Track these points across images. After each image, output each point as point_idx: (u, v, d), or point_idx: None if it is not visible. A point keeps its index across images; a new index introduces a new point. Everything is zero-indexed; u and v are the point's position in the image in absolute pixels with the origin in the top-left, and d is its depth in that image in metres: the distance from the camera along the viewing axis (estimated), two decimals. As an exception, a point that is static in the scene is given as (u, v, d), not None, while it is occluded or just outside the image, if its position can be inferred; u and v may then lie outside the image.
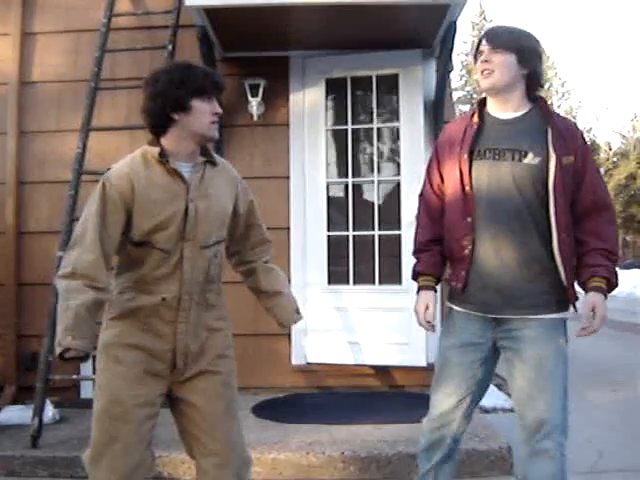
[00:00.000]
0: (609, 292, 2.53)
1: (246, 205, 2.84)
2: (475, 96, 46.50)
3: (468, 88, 46.71)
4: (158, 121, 2.55)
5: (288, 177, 5.52)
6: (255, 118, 5.46)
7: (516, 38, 2.66)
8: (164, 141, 2.56)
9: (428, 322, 2.75)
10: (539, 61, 2.67)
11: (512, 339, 2.59)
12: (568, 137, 2.55)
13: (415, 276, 2.85)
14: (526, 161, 2.55)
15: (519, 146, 2.57)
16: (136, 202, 2.47)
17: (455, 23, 4.93)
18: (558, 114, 2.67)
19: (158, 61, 5.19)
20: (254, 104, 5.39)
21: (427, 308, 2.76)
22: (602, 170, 45.62)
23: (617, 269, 2.57)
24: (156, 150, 2.53)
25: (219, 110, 2.60)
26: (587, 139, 2.68)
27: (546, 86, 45.05)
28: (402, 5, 4.72)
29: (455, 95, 43.12)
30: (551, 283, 2.56)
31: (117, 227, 2.47)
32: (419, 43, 5.43)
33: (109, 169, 2.55)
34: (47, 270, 4.90)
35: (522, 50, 2.62)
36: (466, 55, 46.60)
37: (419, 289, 2.81)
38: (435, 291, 2.81)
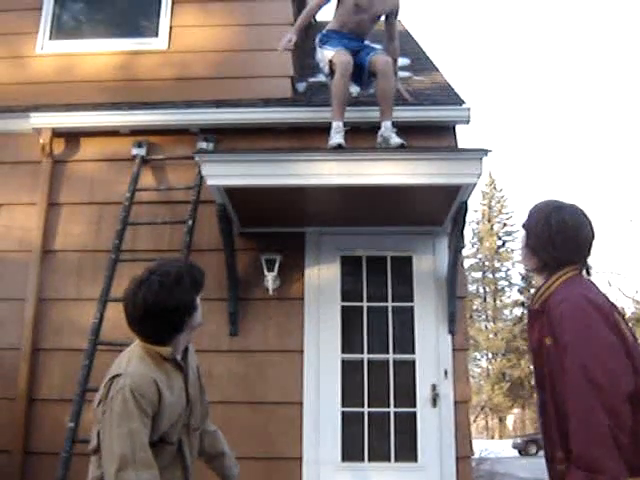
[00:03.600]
0: None
1: (198, 371, 2.89)
2: (487, 263, 47.06)
3: (480, 256, 47.32)
4: (173, 331, 2.56)
5: (302, 351, 5.48)
6: (270, 292, 5.51)
7: (528, 215, 2.75)
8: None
9: None
10: (539, 242, 2.64)
11: None
12: (551, 317, 2.46)
13: None
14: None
15: None
16: (160, 408, 2.48)
17: (466, 203, 5.06)
18: (564, 289, 2.53)
19: (177, 234, 5.39)
20: (270, 278, 5.46)
21: None
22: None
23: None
24: (167, 351, 2.55)
25: None
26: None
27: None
28: (414, 187, 4.88)
29: (467, 262, 43.63)
30: None
31: (148, 436, 2.45)
32: (431, 221, 5.58)
33: (119, 375, 2.50)
34: (56, 439, 4.80)
35: (527, 229, 2.72)
36: (477, 224, 47.58)
37: None
38: None
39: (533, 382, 2.71)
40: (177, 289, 2.52)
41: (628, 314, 45.18)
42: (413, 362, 5.50)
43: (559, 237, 2.59)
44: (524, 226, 2.77)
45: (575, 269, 2.60)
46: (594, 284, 2.61)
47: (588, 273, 2.65)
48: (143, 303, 2.48)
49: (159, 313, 2.48)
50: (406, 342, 5.56)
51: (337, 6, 5.79)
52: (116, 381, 2.47)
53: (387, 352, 5.56)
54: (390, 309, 5.66)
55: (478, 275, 47.36)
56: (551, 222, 2.62)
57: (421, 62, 7.41)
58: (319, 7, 5.81)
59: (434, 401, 5.36)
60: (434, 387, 5.38)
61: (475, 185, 4.85)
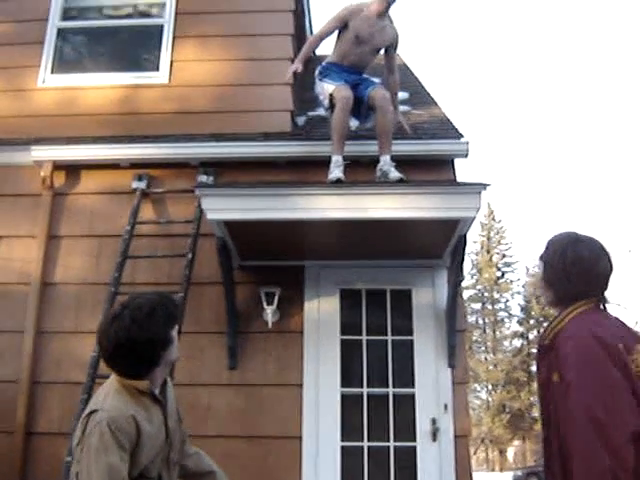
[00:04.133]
0: None
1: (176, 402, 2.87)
2: (486, 294, 47.01)
3: (479, 287, 47.24)
4: (147, 366, 2.53)
5: (301, 385, 5.46)
6: (270, 325, 5.50)
7: (545, 247, 2.73)
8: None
9: None
10: (555, 275, 2.63)
11: None
12: (559, 353, 2.44)
13: None
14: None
15: None
16: (140, 442, 2.46)
17: (465, 236, 5.07)
18: (574, 324, 2.50)
19: (177, 267, 5.39)
20: (269, 312, 5.45)
21: None
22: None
23: None
24: (144, 384, 2.53)
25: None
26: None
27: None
28: (413, 221, 4.91)
29: (466, 294, 43.57)
30: None
31: (127, 470, 2.43)
32: (430, 254, 5.59)
33: (96, 411, 2.47)
34: (53, 473, 4.78)
35: (544, 261, 2.71)
36: (476, 255, 47.56)
37: None
38: None
39: (537, 414, 2.67)
40: (149, 323, 2.49)
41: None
42: (413, 396, 5.47)
43: (574, 270, 2.57)
44: (541, 258, 2.75)
45: (589, 303, 2.57)
46: (610, 318, 2.58)
47: (604, 307, 2.60)
48: (115, 338, 2.46)
49: (132, 348, 2.46)
50: (406, 376, 5.53)
51: (337, 39, 5.85)
52: (93, 417, 2.44)
53: (387, 386, 5.53)
54: (390, 342, 5.64)
55: (477, 306, 47.24)
56: (567, 255, 2.60)
57: (420, 96, 7.47)
58: (321, 39, 5.88)
59: (434, 435, 5.33)
60: (434, 421, 5.35)
61: (474, 219, 4.87)
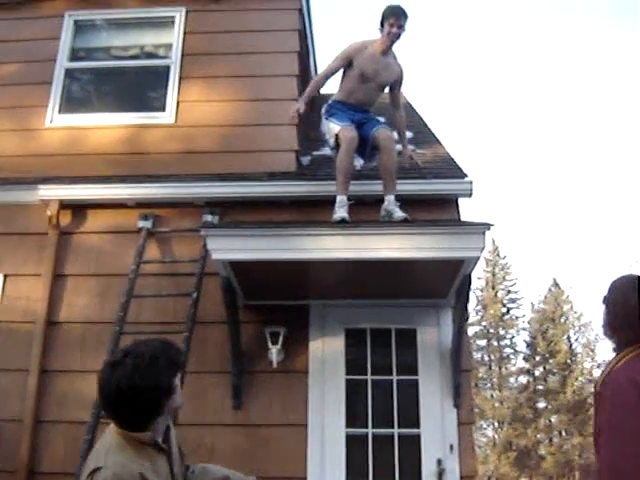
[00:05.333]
0: None
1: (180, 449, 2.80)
2: (492, 331, 46.78)
3: (484, 323, 47.01)
4: (151, 415, 2.45)
5: (306, 425, 5.42)
6: (274, 365, 5.48)
7: (608, 291, 2.72)
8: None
9: None
10: (617, 321, 2.63)
11: None
12: (604, 399, 2.45)
13: None
14: None
15: None
16: None
17: (470, 276, 5.08)
18: (620, 370, 2.50)
19: (182, 307, 5.40)
20: (274, 351, 5.44)
21: None
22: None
23: None
24: (147, 436, 2.45)
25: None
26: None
27: (562, 319, 45.29)
28: (418, 260, 4.90)
29: (471, 330, 43.32)
30: None
31: None
32: (435, 294, 5.59)
33: (99, 469, 2.34)
34: (56, 516, 4.76)
35: (606, 305, 2.71)
36: (481, 291, 47.36)
37: None
38: None
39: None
40: (152, 371, 2.40)
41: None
42: (418, 436, 5.43)
43: (635, 317, 2.56)
44: (604, 301, 2.75)
45: None
46: None
47: None
48: (117, 387, 2.38)
49: (134, 397, 2.37)
50: (411, 416, 5.50)
51: (343, 76, 5.92)
52: (96, 476, 2.33)
53: (392, 426, 5.49)
54: (395, 382, 5.61)
55: (483, 343, 46.88)
56: (628, 302, 2.60)
57: (423, 135, 7.51)
58: (326, 78, 5.93)
59: (440, 476, 5.27)
60: (440, 462, 5.30)
61: (478, 259, 4.89)
